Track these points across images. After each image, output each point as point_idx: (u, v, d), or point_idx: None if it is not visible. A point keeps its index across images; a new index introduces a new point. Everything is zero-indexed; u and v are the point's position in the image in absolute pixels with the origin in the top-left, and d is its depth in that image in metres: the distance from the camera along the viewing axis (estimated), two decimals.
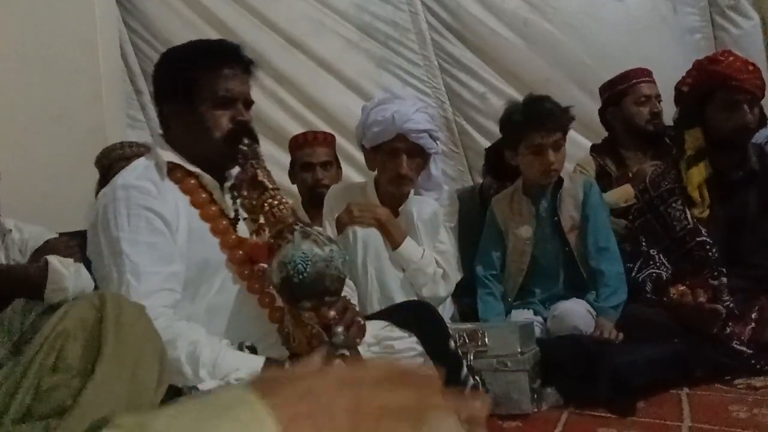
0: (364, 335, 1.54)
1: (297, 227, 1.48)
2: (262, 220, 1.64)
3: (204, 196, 1.64)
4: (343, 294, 1.53)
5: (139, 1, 3.85)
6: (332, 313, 1.43)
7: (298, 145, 3.15)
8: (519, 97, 3.77)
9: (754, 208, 2.59)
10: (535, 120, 2.55)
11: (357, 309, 1.57)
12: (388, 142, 2.41)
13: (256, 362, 1.44)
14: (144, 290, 1.46)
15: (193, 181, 1.65)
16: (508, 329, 2.23)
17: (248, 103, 1.71)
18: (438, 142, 2.55)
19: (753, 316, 2.39)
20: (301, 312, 1.45)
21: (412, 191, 2.54)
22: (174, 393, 1.31)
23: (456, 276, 2.54)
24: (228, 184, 1.72)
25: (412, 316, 1.62)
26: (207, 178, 1.67)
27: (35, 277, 2.19)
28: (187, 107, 1.65)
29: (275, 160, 3.65)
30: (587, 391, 2.12)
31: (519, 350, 2.14)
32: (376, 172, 2.55)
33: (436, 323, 1.79)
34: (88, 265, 2.32)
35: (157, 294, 1.49)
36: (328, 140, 3.19)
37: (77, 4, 3.30)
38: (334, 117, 3.83)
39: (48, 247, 2.35)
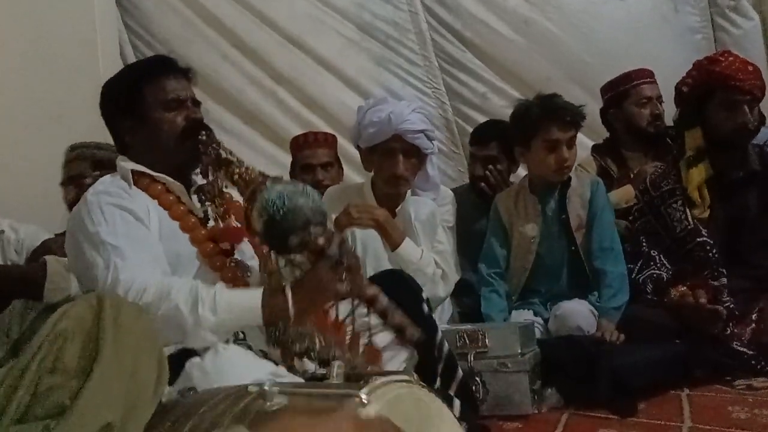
0: (357, 260, 1.55)
1: (268, 180, 1.52)
2: (235, 198, 1.71)
3: (171, 198, 1.70)
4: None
5: (138, 1, 3.84)
6: (321, 240, 1.45)
7: (298, 146, 3.15)
8: (520, 97, 3.79)
9: (755, 209, 2.59)
10: (553, 113, 2.54)
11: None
12: (384, 142, 2.42)
13: (255, 296, 1.46)
14: (131, 265, 1.50)
15: (159, 187, 1.71)
16: (508, 330, 2.23)
17: (196, 103, 1.79)
18: (434, 142, 2.55)
19: (753, 316, 2.39)
20: (293, 258, 1.49)
21: (409, 191, 2.54)
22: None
23: (455, 276, 2.54)
24: (194, 188, 1.77)
25: (386, 284, 1.61)
26: (173, 183, 1.72)
27: (34, 277, 2.19)
28: (140, 119, 1.73)
29: (275, 160, 3.65)
30: (588, 392, 2.12)
31: (519, 351, 2.14)
32: (372, 173, 2.55)
33: (409, 289, 1.83)
34: None
35: (146, 265, 1.53)
36: (329, 141, 3.18)
37: (77, 5, 3.30)
38: (333, 116, 3.82)
39: (45, 248, 2.35)
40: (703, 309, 2.35)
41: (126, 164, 1.72)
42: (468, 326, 2.29)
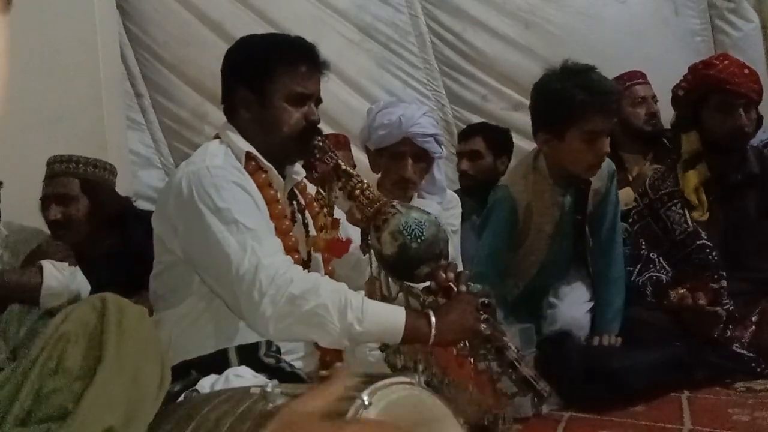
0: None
1: (395, 202, 1.52)
2: (338, 213, 1.69)
3: (272, 193, 1.62)
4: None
5: (138, 3, 3.84)
6: (451, 274, 1.45)
7: None
8: (520, 99, 3.78)
9: (754, 211, 2.59)
10: (600, 99, 2.14)
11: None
12: (393, 145, 2.42)
13: (400, 314, 1.41)
14: (270, 251, 1.45)
15: (264, 176, 1.62)
16: (508, 332, 2.21)
17: (318, 102, 1.74)
18: (442, 146, 2.55)
19: (753, 319, 2.39)
20: (413, 287, 1.49)
21: (415, 195, 2.54)
22: (173, 397, 1.29)
23: None
24: (288, 184, 1.71)
25: None
26: (276, 176, 1.65)
27: (30, 282, 2.18)
28: (260, 97, 1.64)
29: None
30: (588, 395, 2.12)
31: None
32: (379, 175, 2.55)
33: None
34: (84, 269, 2.32)
35: (282, 253, 1.49)
36: (341, 142, 3.17)
37: (77, 6, 3.30)
38: (334, 117, 3.82)
39: (42, 251, 2.33)
40: (702, 311, 2.36)
41: (239, 141, 1.63)
42: None
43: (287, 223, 1.63)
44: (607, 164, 2.40)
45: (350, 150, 3.18)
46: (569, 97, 2.15)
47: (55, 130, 3.10)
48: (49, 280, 2.18)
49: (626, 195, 3.00)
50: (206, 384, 1.34)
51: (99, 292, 1.12)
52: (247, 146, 1.62)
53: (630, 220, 2.80)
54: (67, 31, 3.23)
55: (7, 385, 0.97)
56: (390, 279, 1.57)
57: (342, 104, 3.82)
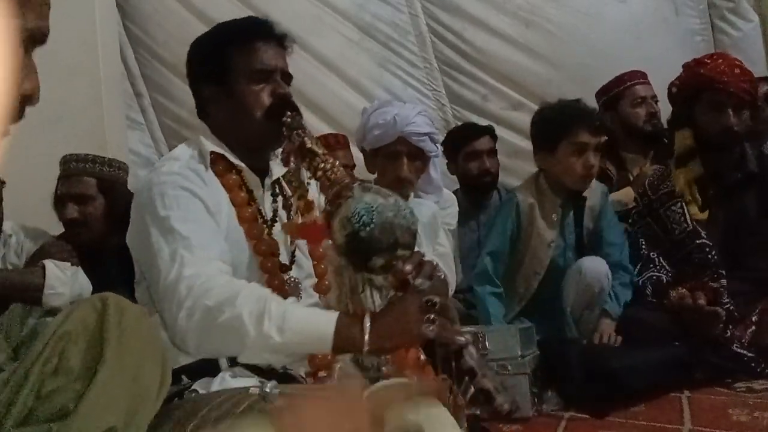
0: (448, 291, 1.37)
1: (355, 184, 1.34)
2: (311, 195, 1.57)
3: (243, 195, 1.55)
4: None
5: (138, 3, 3.84)
6: (408, 266, 1.26)
7: (329, 146, 3.08)
8: (520, 99, 3.80)
9: (754, 211, 2.59)
10: (584, 116, 2.53)
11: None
12: (388, 145, 2.42)
13: (329, 320, 1.25)
14: (200, 260, 1.35)
15: (234, 177, 1.55)
16: (508, 332, 2.23)
17: (287, 77, 1.62)
18: (438, 145, 2.55)
19: (753, 318, 2.39)
20: (371, 276, 1.30)
21: (412, 194, 2.54)
22: (172, 397, 1.29)
23: (455, 278, 2.54)
24: (269, 180, 1.62)
25: None
26: (249, 174, 1.57)
27: (32, 282, 2.18)
28: (223, 88, 1.57)
29: None
30: (588, 395, 2.12)
31: (520, 353, 2.14)
32: (375, 175, 2.55)
33: None
34: (85, 269, 2.33)
35: (213, 262, 1.38)
36: (341, 142, 3.17)
37: (77, 7, 3.30)
38: (334, 117, 3.82)
39: (44, 252, 2.34)
40: (702, 311, 2.36)
41: (205, 142, 1.56)
42: (468, 328, 2.29)
43: (260, 226, 1.53)
44: (601, 186, 2.73)
45: (350, 149, 3.18)
46: (559, 115, 2.55)
47: (55, 130, 3.09)
48: (51, 280, 2.19)
49: (627, 195, 3.01)
50: (202, 385, 1.32)
51: (110, 291, 1.11)
52: (212, 147, 1.55)
53: (630, 220, 2.80)
54: (67, 31, 3.22)
55: (8, 385, 0.97)
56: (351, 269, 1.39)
57: (342, 104, 3.82)
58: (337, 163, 1.43)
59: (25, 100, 0.72)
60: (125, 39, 3.83)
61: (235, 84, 1.55)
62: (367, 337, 1.21)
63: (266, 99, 1.55)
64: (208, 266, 1.35)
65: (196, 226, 1.41)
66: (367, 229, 1.24)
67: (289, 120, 1.49)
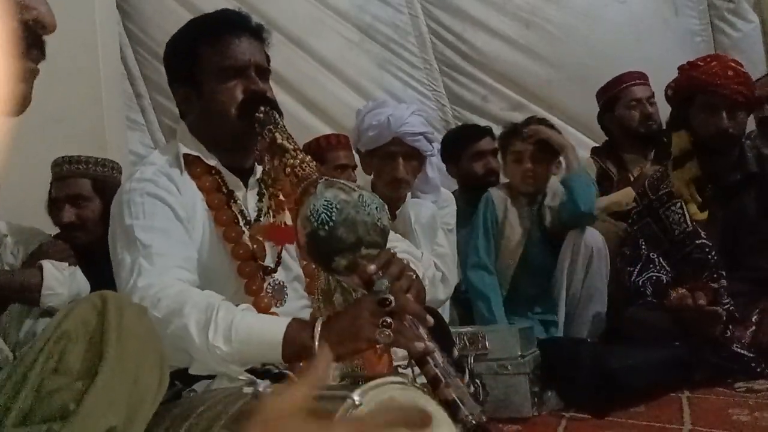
0: (420, 294, 1.27)
1: (321, 180, 1.25)
2: (282, 196, 1.52)
3: (221, 197, 1.50)
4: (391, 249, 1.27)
5: (138, 3, 3.85)
6: (372, 266, 1.16)
7: (330, 146, 3.07)
8: (520, 100, 3.81)
9: (753, 211, 2.58)
10: (521, 131, 2.84)
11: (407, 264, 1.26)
12: (383, 145, 2.42)
13: (280, 327, 1.19)
14: (157, 270, 1.32)
15: (211, 179, 1.50)
16: (508, 332, 2.23)
17: (263, 72, 1.54)
18: (434, 144, 2.55)
19: (753, 319, 2.39)
20: (342, 281, 1.25)
21: (409, 194, 2.54)
22: (173, 396, 1.29)
23: (455, 279, 2.54)
24: (253, 179, 1.56)
25: None
26: (228, 175, 1.52)
27: (30, 282, 2.18)
28: (195, 88, 1.51)
29: None
30: (588, 395, 2.12)
31: (519, 353, 2.14)
32: (371, 176, 2.55)
33: (443, 331, 1.62)
34: (83, 269, 2.32)
35: (172, 270, 1.34)
36: (342, 142, 3.16)
37: (77, 7, 3.30)
38: (333, 118, 3.83)
39: (42, 252, 2.33)
40: (702, 311, 2.35)
41: (178, 145, 1.51)
42: (468, 328, 2.30)
43: (238, 228, 1.47)
44: (561, 189, 2.90)
45: (351, 149, 3.17)
46: (504, 132, 2.94)
47: (55, 130, 3.10)
48: (49, 280, 2.19)
49: (627, 195, 3.01)
50: (201, 388, 1.31)
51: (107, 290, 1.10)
52: (185, 149, 1.50)
53: (630, 220, 2.80)
54: (67, 31, 3.23)
55: (7, 385, 0.97)
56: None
57: (342, 104, 3.83)
58: (308, 158, 1.36)
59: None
60: (125, 39, 3.83)
61: (206, 82, 1.50)
62: (316, 342, 1.14)
63: (239, 96, 1.49)
64: (165, 275, 1.32)
65: (158, 234, 1.38)
66: (326, 227, 1.16)
67: (261, 116, 1.44)
